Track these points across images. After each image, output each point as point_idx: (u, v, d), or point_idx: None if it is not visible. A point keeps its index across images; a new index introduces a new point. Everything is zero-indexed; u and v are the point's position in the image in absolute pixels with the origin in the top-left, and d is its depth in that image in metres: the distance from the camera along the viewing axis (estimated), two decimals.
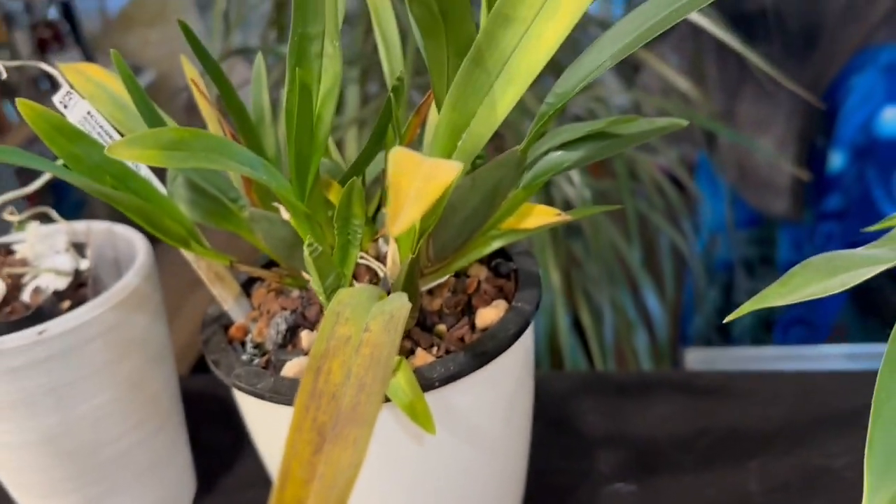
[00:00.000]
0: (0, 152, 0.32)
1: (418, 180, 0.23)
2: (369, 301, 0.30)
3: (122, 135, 0.42)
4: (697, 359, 1.12)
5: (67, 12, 1.95)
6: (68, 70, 0.44)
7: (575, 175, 0.93)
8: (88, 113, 0.40)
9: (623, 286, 0.93)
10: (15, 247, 0.49)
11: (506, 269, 0.44)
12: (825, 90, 1.34)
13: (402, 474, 0.41)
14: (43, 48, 1.89)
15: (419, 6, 0.29)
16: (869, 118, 1.29)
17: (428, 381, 0.35)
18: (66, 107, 0.40)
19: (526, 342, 0.41)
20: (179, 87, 2.20)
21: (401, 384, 0.34)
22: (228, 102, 0.38)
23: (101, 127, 0.41)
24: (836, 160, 1.34)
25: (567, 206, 0.93)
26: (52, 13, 1.95)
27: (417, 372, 0.36)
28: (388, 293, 0.37)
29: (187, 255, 0.42)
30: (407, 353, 0.38)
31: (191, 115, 1.56)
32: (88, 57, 1.97)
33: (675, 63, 1.35)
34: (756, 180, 1.40)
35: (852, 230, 1.39)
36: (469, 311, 0.42)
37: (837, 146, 1.34)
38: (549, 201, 0.89)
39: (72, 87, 0.42)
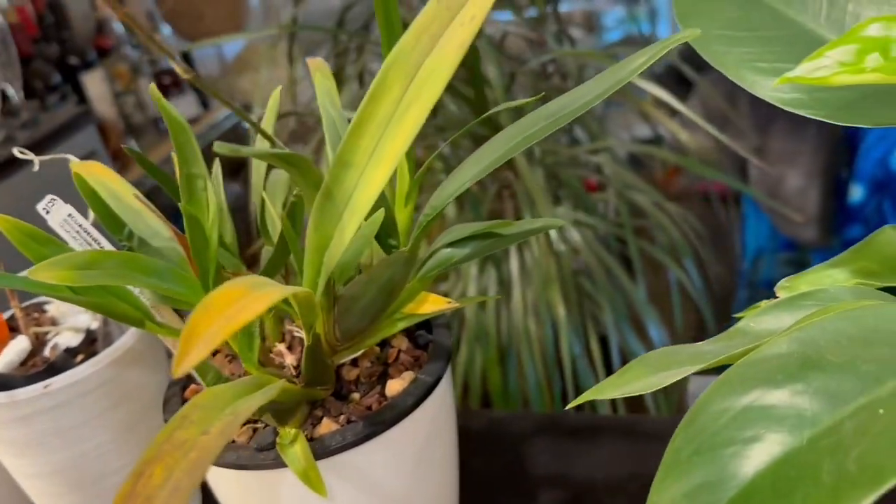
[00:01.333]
0: None
1: (219, 319, 0.25)
2: (235, 396, 0.30)
3: (104, 229, 0.43)
4: (700, 386, 1.06)
5: (186, 60, 2.03)
6: (77, 166, 0.46)
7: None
8: (69, 215, 0.42)
9: (626, 319, 0.92)
10: (46, 306, 0.52)
11: (423, 340, 0.44)
12: (847, 127, 1.29)
13: None
14: (164, 93, 1.96)
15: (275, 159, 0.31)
16: (886, 154, 1.25)
17: (325, 449, 0.36)
18: (48, 212, 0.42)
19: (431, 408, 0.40)
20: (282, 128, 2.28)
21: (297, 453, 0.35)
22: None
23: (79, 226, 0.42)
24: (858, 193, 1.29)
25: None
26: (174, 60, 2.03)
27: (318, 440, 0.37)
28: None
29: None
30: (316, 420, 0.38)
31: (294, 140, 1.61)
32: (203, 99, 2.04)
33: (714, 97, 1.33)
34: (784, 213, 1.37)
35: None
36: (385, 380, 0.41)
37: (860, 178, 1.30)
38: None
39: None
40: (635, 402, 0.96)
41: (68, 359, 0.47)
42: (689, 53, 1.36)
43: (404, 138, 0.28)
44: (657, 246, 0.98)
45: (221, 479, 0.40)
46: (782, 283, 0.39)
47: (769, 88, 0.37)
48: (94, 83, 1.77)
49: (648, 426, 0.59)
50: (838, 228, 1.35)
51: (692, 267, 1.01)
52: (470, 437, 0.48)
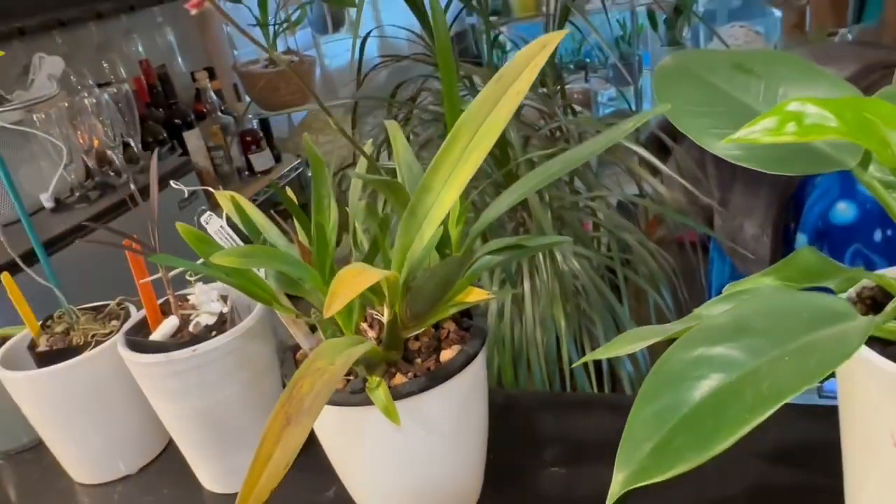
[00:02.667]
0: (159, 258, 0.42)
1: (349, 285, 0.31)
2: (346, 346, 0.35)
3: (242, 237, 0.49)
4: None
5: (263, 123, 2.09)
6: (220, 195, 0.51)
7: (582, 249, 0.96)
8: (221, 227, 0.48)
9: (613, 332, 0.94)
10: (189, 296, 0.56)
11: (466, 324, 0.47)
12: (796, 187, 1.31)
13: (392, 455, 0.44)
14: (246, 148, 2.02)
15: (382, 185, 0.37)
16: (825, 210, 1.26)
17: (398, 394, 0.40)
18: (207, 223, 0.48)
19: (472, 371, 0.44)
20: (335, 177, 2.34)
21: (380, 395, 0.40)
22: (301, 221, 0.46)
23: (228, 235, 0.48)
24: (802, 240, 1.30)
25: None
26: (253, 124, 2.08)
27: (393, 388, 0.40)
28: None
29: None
30: (391, 375, 0.42)
31: (341, 186, 1.66)
32: (276, 154, 2.10)
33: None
34: (742, 252, 1.38)
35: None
36: (439, 350, 0.45)
37: (803, 230, 1.31)
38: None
39: (212, 210, 0.51)
40: (618, 388, 0.98)
41: (206, 333, 0.52)
42: (666, 125, 1.39)
43: (468, 173, 0.34)
44: (639, 275, 1.00)
45: (324, 415, 0.41)
46: (728, 286, 0.41)
47: (721, 147, 0.40)
48: (193, 139, 1.84)
49: (627, 401, 0.61)
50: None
51: (667, 294, 1.04)
52: (491, 407, 0.50)
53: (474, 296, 0.43)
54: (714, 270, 1.62)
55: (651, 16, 3.30)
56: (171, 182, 0.55)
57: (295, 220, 0.45)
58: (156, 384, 0.51)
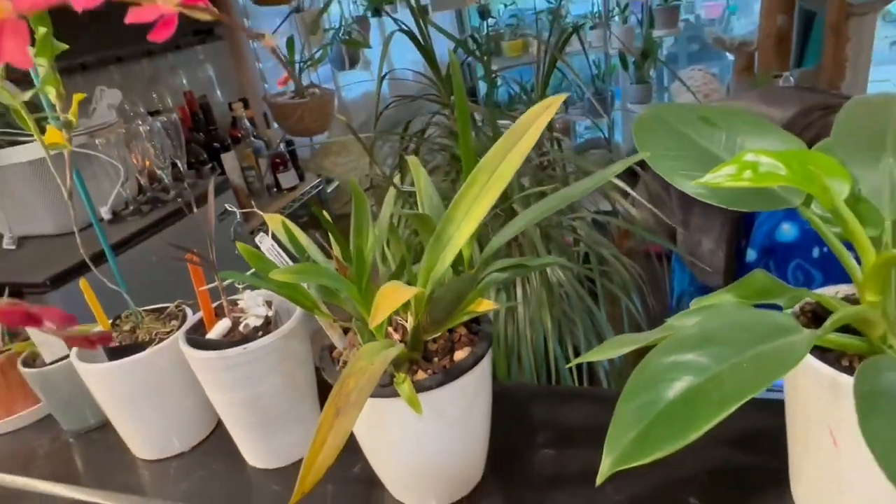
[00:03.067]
0: (227, 274, 0.43)
1: (390, 300, 0.33)
2: (382, 348, 0.36)
3: (290, 255, 0.51)
4: None
5: (289, 146, 2.10)
6: (270, 218, 0.52)
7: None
8: (272, 245, 0.50)
9: (592, 333, 0.95)
10: (238, 301, 0.57)
11: (476, 329, 0.48)
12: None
13: (413, 438, 0.45)
14: (275, 168, 2.03)
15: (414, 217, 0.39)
16: (771, 229, 1.26)
17: (420, 387, 0.41)
18: (261, 242, 0.50)
19: (480, 369, 0.44)
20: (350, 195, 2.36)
21: (405, 388, 0.41)
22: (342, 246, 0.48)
23: (278, 252, 0.50)
24: (752, 255, 1.30)
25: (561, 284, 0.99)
26: (281, 147, 2.10)
27: (416, 382, 0.41)
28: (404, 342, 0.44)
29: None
30: (413, 372, 0.43)
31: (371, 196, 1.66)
32: (300, 173, 2.11)
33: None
34: (700, 265, 1.38)
35: (758, 303, 1.35)
36: (453, 351, 0.46)
37: (752, 246, 1.32)
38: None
39: (244, 221, 0.52)
40: (595, 380, 0.99)
41: (254, 334, 0.53)
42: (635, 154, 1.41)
43: (484, 209, 0.36)
44: (614, 284, 1.02)
45: None
46: (694, 301, 0.42)
47: (690, 187, 0.41)
48: (229, 160, 1.85)
49: (606, 394, 0.63)
50: (737, 279, 1.34)
51: (637, 299, 1.06)
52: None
53: (483, 306, 0.44)
54: (675, 278, 1.63)
55: (622, 58, 3.34)
56: (226, 205, 0.57)
57: (331, 237, 0.47)
58: (211, 376, 0.53)
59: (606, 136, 3.29)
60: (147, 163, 1.37)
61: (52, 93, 0.51)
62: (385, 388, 0.42)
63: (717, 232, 1.34)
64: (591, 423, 0.57)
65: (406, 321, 0.45)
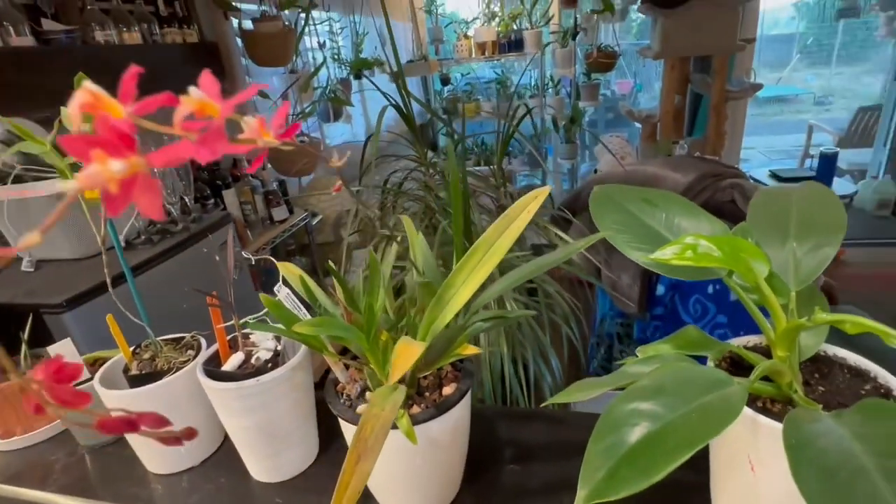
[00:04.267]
0: (253, 326, 0.41)
1: (406, 356, 0.32)
2: (389, 392, 0.35)
3: (304, 303, 0.49)
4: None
5: (281, 184, 2.06)
6: (286, 270, 0.50)
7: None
8: (287, 294, 0.48)
9: (539, 355, 0.96)
10: (251, 336, 0.54)
11: (460, 367, 0.47)
12: None
13: (409, 462, 0.43)
14: (269, 203, 1.98)
15: (421, 283, 0.38)
16: None
17: (416, 420, 0.40)
18: (279, 291, 0.48)
19: (464, 402, 0.44)
20: (335, 224, 2.32)
21: (403, 423, 0.40)
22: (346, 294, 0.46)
23: (294, 300, 0.48)
24: (661, 290, 1.33)
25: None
26: (274, 185, 2.05)
27: (412, 416, 0.40)
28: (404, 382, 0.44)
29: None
30: (409, 406, 0.42)
31: (336, 230, 1.63)
32: (290, 208, 2.06)
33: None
34: (619, 297, 1.41)
35: (667, 325, 1.39)
36: (441, 385, 0.45)
37: (662, 281, 1.34)
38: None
39: (243, 250, 0.50)
40: (540, 396, 0.97)
41: (265, 366, 0.50)
42: (568, 205, 1.43)
43: (482, 277, 0.35)
44: (556, 314, 1.04)
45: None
46: (640, 349, 0.41)
47: (637, 256, 0.42)
48: (230, 196, 1.79)
49: (559, 415, 0.61)
50: (649, 308, 1.36)
51: (574, 326, 1.07)
52: None
53: (468, 350, 0.44)
54: (599, 304, 1.66)
55: (554, 122, 3.44)
56: (243, 252, 0.54)
57: (338, 287, 0.45)
58: (226, 404, 0.50)
59: (542, 181, 3.38)
60: None
61: None
62: None
63: (633, 270, 1.37)
64: (546, 441, 0.56)
65: None
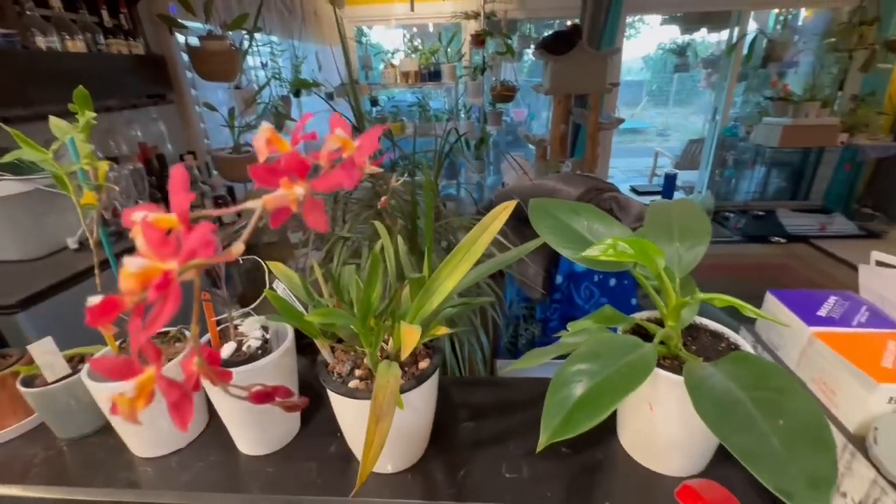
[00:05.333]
0: (274, 318, 0.39)
1: (411, 337, 0.33)
2: (388, 368, 0.36)
3: (297, 298, 0.47)
4: (502, 366, 1.13)
5: (230, 190, 1.92)
6: (271, 265, 0.49)
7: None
8: (284, 289, 0.47)
9: (471, 334, 1.00)
10: (240, 327, 0.52)
11: (430, 345, 0.48)
12: None
13: (394, 425, 0.46)
14: (217, 207, 1.84)
15: (411, 279, 0.39)
16: (571, 262, 1.36)
17: (401, 390, 0.40)
18: (276, 287, 0.46)
19: (436, 374, 0.45)
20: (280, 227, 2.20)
21: None
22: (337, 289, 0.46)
23: (289, 294, 0.47)
24: (559, 279, 1.41)
25: None
26: (224, 190, 1.91)
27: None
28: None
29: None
30: None
31: (281, 232, 1.54)
32: (239, 212, 1.93)
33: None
34: (527, 284, 1.49)
35: (563, 308, 1.49)
36: (416, 362, 0.45)
37: (560, 272, 1.42)
38: None
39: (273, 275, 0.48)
40: (474, 369, 0.99)
41: (257, 352, 0.49)
42: (485, 210, 1.49)
43: (462, 273, 0.37)
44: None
45: (348, 405, 0.43)
46: (570, 324, 0.45)
47: (568, 254, 0.46)
48: None
49: (497, 381, 0.63)
50: (550, 294, 1.44)
51: (498, 309, 1.11)
52: None
53: (441, 331, 0.45)
54: (508, 289, 1.73)
55: (466, 142, 3.54)
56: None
57: (332, 285, 0.45)
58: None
59: (455, 192, 3.46)
60: (112, 201, 1.17)
61: (87, 164, 0.43)
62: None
63: (539, 261, 1.45)
64: (490, 402, 0.59)
65: (388, 345, 0.44)
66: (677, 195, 3.75)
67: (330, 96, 3.42)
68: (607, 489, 0.46)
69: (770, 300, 0.48)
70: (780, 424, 0.27)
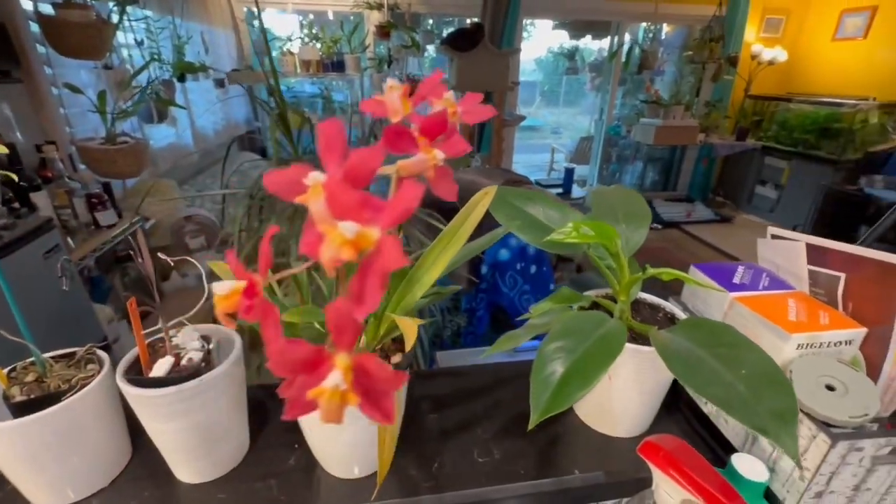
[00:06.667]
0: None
1: (411, 329, 0.32)
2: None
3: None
4: (444, 357, 1.11)
5: (106, 187, 1.66)
6: (213, 265, 0.44)
7: None
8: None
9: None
10: (174, 339, 0.45)
11: (399, 339, 0.46)
12: None
13: (358, 424, 0.42)
14: (92, 207, 1.57)
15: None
16: (495, 252, 1.45)
17: None
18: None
19: (407, 371, 0.43)
20: (168, 230, 1.96)
21: None
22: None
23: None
24: (485, 269, 1.45)
25: None
26: (99, 187, 1.65)
27: None
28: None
29: None
30: None
31: (175, 235, 1.41)
32: (119, 212, 1.68)
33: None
34: (455, 275, 1.51)
35: (489, 295, 1.55)
36: (388, 357, 0.44)
37: (485, 262, 1.46)
38: None
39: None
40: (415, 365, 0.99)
41: (200, 365, 0.43)
42: (430, 203, 1.49)
43: (447, 260, 0.37)
44: None
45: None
46: (532, 307, 0.47)
47: (533, 241, 0.47)
48: (41, 200, 1.36)
49: (452, 371, 0.63)
50: (477, 283, 1.47)
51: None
52: None
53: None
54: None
55: (375, 136, 3.47)
56: (159, 253, 0.45)
57: (298, 284, 0.42)
58: (160, 411, 0.41)
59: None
60: None
61: None
62: None
63: None
64: (447, 392, 0.60)
65: (362, 340, 0.42)
66: (574, 187, 4.11)
67: (220, 83, 3.12)
68: (573, 458, 0.50)
69: (694, 272, 0.55)
70: (743, 374, 0.32)
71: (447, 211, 1.45)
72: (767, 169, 3.60)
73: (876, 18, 3.18)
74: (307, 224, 0.18)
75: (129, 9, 1.98)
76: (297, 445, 0.50)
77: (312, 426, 0.43)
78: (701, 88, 3.79)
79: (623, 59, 3.69)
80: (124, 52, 2.18)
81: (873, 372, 0.43)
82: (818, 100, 3.33)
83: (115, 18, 1.77)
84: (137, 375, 0.42)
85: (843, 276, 0.46)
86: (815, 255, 0.49)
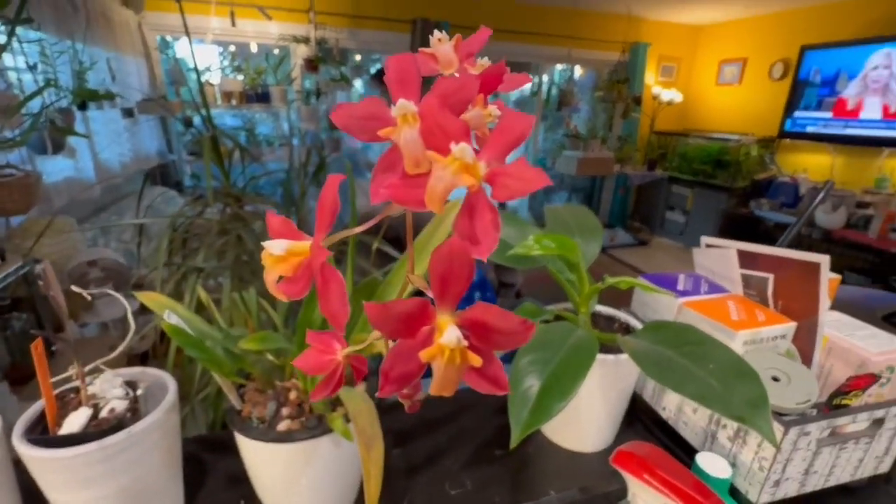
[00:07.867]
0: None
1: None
2: (352, 390, 0.32)
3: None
4: None
5: None
6: (143, 296, 0.38)
7: None
8: (178, 320, 0.36)
9: None
10: (90, 388, 0.38)
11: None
12: None
13: (339, 461, 0.39)
14: None
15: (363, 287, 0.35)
16: None
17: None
18: (169, 318, 0.36)
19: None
20: (64, 274, 1.72)
21: (339, 424, 0.35)
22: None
23: (183, 326, 0.37)
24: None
25: None
26: None
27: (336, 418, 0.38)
28: None
29: (216, 376, 0.38)
30: (333, 408, 0.37)
31: (73, 279, 1.23)
32: (2, 253, 1.45)
33: None
34: None
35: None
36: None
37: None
38: None
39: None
40: None
41: (125, 415, 0.37)
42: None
43: (420, 272, 0.35)
44: None
45: (279, 456, 0.36)
46: None
47: (495, 258, 0.47)
48: None
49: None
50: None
51: None
52: None
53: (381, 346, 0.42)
54: None
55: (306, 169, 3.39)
56: (72, 286, 0.38)
57: (210, 305, 0.38)
58: (76, 475, 0.34)
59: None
60: None
61: None
62: (314, 430, 0.36)
63: None
64: (409, 425, 0.57)
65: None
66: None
67: (129, 112, 2.89)
68: (546, 479, 0.49)
69: (643, 282, 0.58)
70: (711, 368, 0.34)
71: (392, 240, 1.43)
72: (675, 196, 4.01)
73: (747, 68, 3.76)
74: (377, 169, 0.16)
75: (19, 29, 1.79)
76: (243, 502, 0.44)
77: (270, 473, 0.38)
78: (613, 124, 4.19)
79: (544, 96, 4.00)
80: (12, 76, 1.95)
81: (806, 361, 0.48)
82: (710, 136, 3.83)
83: (1, 39, 1.59)
84: (42, 434, 0.35)
85: (771, 276, 0.51)
86: (745, 259, 0.55)
